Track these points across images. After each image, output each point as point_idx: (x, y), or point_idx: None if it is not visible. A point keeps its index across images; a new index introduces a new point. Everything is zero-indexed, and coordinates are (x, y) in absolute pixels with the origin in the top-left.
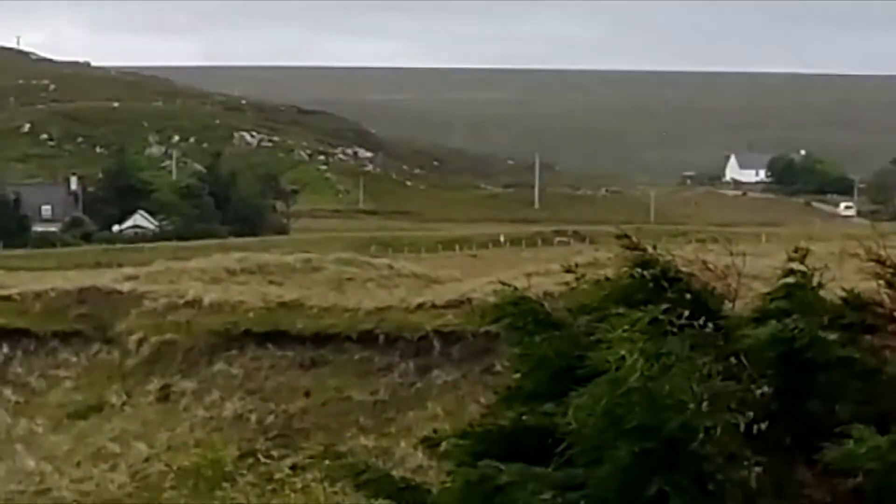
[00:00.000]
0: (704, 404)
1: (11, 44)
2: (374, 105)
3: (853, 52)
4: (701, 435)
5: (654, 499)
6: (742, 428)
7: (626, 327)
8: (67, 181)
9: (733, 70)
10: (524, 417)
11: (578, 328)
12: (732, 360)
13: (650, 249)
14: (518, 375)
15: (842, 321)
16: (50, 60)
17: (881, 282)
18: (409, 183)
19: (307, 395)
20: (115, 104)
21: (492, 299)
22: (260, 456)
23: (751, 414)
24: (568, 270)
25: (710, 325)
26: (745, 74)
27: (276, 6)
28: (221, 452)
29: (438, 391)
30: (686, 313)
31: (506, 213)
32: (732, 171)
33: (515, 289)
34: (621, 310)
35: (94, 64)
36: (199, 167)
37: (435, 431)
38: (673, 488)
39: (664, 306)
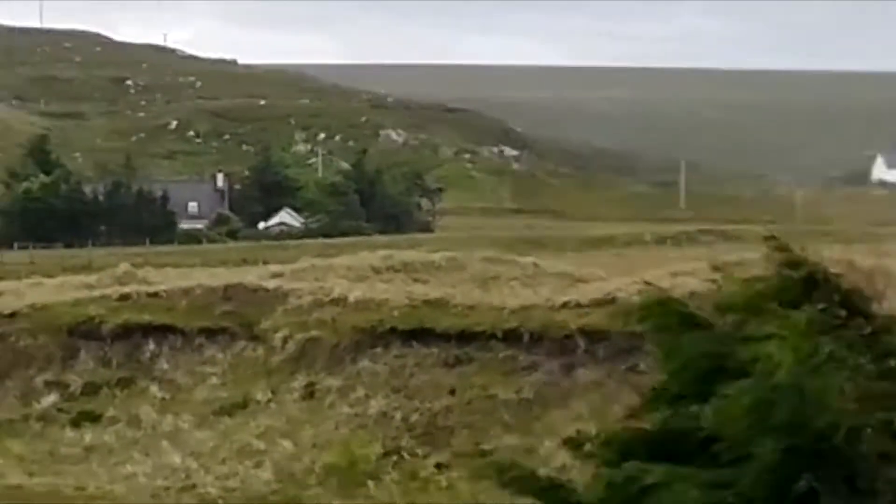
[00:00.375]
0: (855, 403)
1: (159, 41)
2: (519, 103)
3: None
4: (851, 433)
5: (804, 497)
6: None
7: (779, 325)
8: (214, 178)
9: (868, 69)
10: (670, 419)
11: (725, 328)
12: (888, 360)
13: (798, 250)
14: (663, 376)
15: None
16: (196, 58)
17: None
18: (554, 181)
19: (452, 393)
20: (262, 101)
21: (637, 298)
22: (404, 454)
23: None
24: (716, 269)
25: (866, 326)
26: (883, 74)
27: (419, 4)
28: (366, 450)
29: (583, 390)
30: (843, 313)
31: (651, 211)
32: (880, 170)
33: (660, 289)
34: (773, 309)
35: (240, 61)
36: (344, 165)
37: (579, 431)
38: (823, 485)
39: (820, 306)
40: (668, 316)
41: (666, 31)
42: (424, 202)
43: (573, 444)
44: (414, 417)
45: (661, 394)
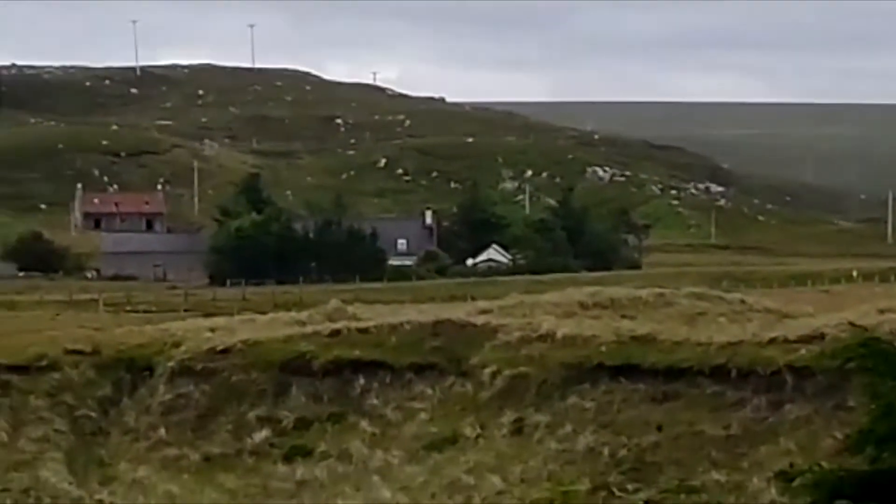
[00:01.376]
0: None
1: (368, 80)
2: (725, 140)
3: None
4: None
5: None
6: None
7: None
8: (422, 215)
9: None
10: (878, 460)
11: None
12: None
13: None
14: (869, 418)
15: None
16: (405, 96)
17: None
18: (760, 218)
19: (659, 429)
20: (469, 139)
21: (844, 335)
22: (613, 489)
23: None
24: None
25: None
26: None
27: (621, 42)
28: (574, 486)
29: (791, 426)
30: None
31: (858, 247)
32: None
33: (865, 329)
34: None
35: (448, 99)
36: (551, 202)
37: (791, 465)
38: None
39: None
40: (872, 357)
41: (875, 67)
42: (631, 239)
43: (783, 479)
44: (621, 453)
45: (867, 436)
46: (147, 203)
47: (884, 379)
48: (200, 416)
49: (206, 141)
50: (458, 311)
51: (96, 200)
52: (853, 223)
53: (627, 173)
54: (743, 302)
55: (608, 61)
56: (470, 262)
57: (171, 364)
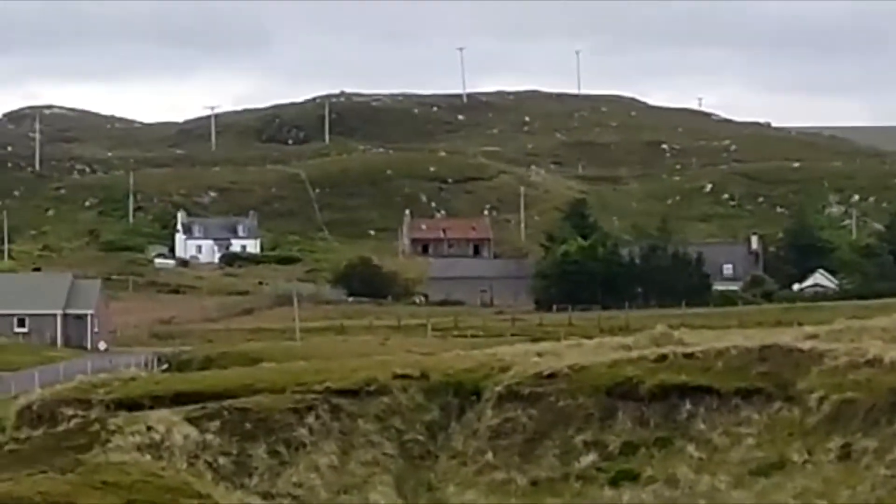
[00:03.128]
0: None
1: (692, 105)
2: None
3: None
4: None
5: None
6: None
7: None
8: (748, 240)
9: None
10: None
11: None
12: None
13: None
14: None
15: None
16: (730, 121)
17: None
18: None
19: None
20: (795, 164)
21: None
22: None
23: None
24: None
25: None
26: None
27: None
28: None
29: None
30: None
31: None
32: None
33: None
34: None
35: (773, 124)
36: (878, 226)
37: None
38: None
39: None
40: None
41: None
42: None
43: None
44: None
45: None
46: (474, 229)
47: None
48: (527, 440)
49: (533, 167)
50: (784, 337)
51: (424, 226)
52: None
53: None
54: None
55: None
56: (796, 286)
57: (498, 388)
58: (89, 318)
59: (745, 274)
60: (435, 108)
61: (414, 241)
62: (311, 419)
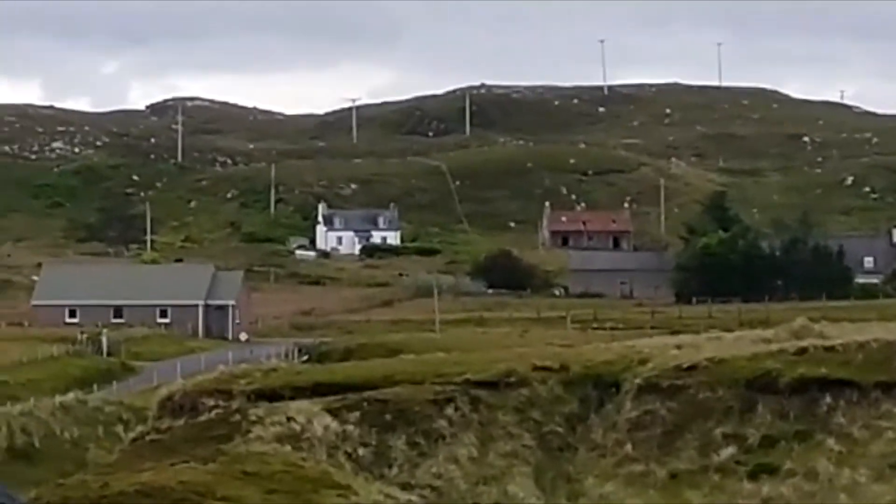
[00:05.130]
0: None
1: (834, 97)
2: None
3: None
4: None
5: None
6: None
7: None
8: (889, 233)
9: None
10: None
11: None
12: None
13: None
14: None
15: None
16: (872, 114)
17: None
18: None
19: None
20: None
21: None
22: None
23: None
24: None
25: None
26: None
27: None
28: None
29: None
30: None
31: None
32: None
33: None
34: None
35: None
36: None
37: None
38: None
39: None
40: None
41: None
42: None
43: None
44: None
45: None
46: (614, 221)
47: None
48: (666, 432)
49: (673, 159)
50: None
51: (564, 218)
52: None
53: None
54: None
55: None
56: None
57: (637, 381)
58: (231, 308)
59: (886, 267)
60: (575, 101)
61: (554, 233)
62: (450, 410)
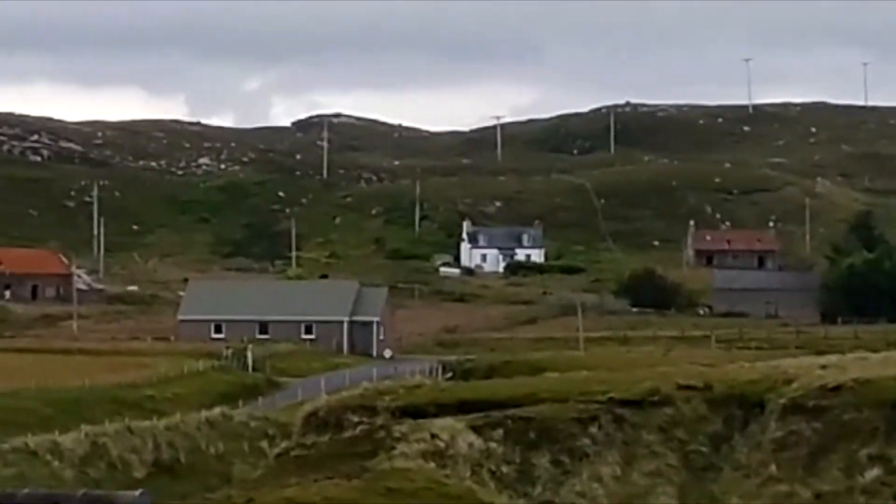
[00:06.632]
0: None
1: None
2: None
3: None
4: None
5: None
6: None
7: None
8: None
9: None
10: None
11: None
12: None
13: None
14: None
15: None
16: None
17: None
18: None
19: None
20: None
21: None
22: None
23: None
24: None
25: None
26: None
27: None
28: None
29: None
30: None
31: None
32: None
33: None
34: None
35: None
36: None
37: None
38: None
39: None
40: None
41: None
42: None
43: None
44: None
45: None
46: (759, 240)
47: None
48: (811, 453)
49: (819, 178)
50: None
51: (708, 237)
52: None
53: None
54: None
55: None
56: None
57: (782, 401)
58: (375, 325)
59: None
60: (720, 119)
61: (698, 252)
62: (594, 429)
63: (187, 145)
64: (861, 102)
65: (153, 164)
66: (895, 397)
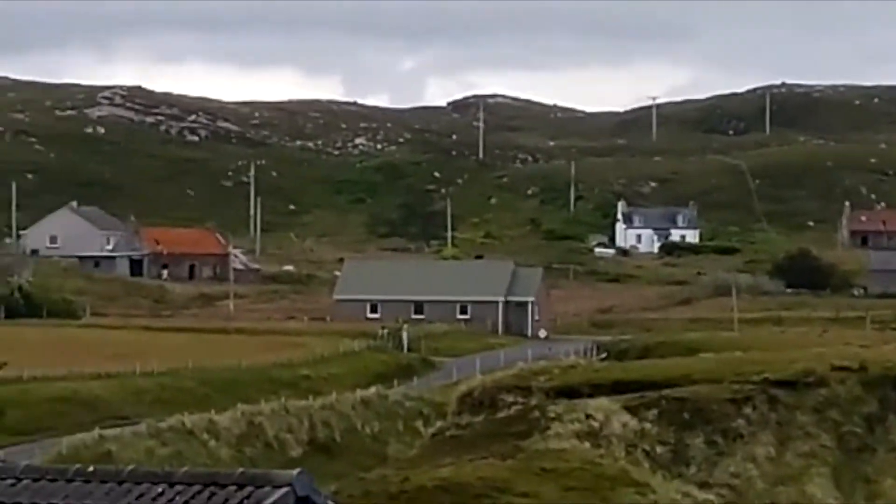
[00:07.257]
0: None
1: None
2: None
3: None
4: None
5: None
6: None
7: None
8: None
9: None
10: None
11: None
12: None
13: None
14: None
15: None
16: None
17: None
18: None
19: None
20: None
21: None
22: None
23: None
24: None
25: None
26: None
27: None
28: None
29: None
30: None
31: None
32: None
33: None
34: None
35: None
36: None
37: None
38: None
39: None
40: None
41: None
42: None
43: None
44: None
45: None
46: None
47: None
48: None
49: None
50: None
51: (863, 218)
52: None
53: None
54: None
55: None
56: None
57: None
58: (530, 305)
59: None
60: (876, 100)
61: (853, 232)
62: (748, 410)
63: (343, 125)
64: None
65: (310, 143)
66: None
